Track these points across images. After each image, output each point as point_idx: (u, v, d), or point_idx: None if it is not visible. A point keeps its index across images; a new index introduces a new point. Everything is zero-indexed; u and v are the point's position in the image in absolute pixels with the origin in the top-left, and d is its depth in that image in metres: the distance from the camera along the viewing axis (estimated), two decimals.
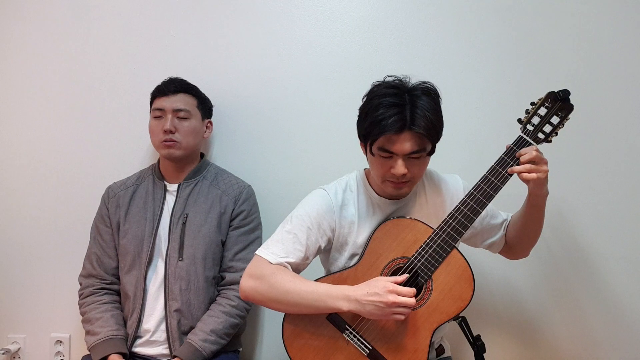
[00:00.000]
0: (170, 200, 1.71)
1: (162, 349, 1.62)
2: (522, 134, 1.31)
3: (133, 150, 1.94)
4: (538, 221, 1.42)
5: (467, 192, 1.32)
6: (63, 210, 1.97)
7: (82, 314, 1.66)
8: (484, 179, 1.30)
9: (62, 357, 1.99)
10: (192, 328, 1.61)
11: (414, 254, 1.32)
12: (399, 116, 1.23)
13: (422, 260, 1.31)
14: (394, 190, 1.34)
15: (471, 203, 1.30)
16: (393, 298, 1.21)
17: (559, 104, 1.29)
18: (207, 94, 1.81)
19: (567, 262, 1.79)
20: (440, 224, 1.31)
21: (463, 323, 1.39)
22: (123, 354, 1.55)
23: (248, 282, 1.33)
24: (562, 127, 1.31)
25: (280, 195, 1.85)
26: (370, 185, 1.43)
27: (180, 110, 1.69)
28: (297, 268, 1.37)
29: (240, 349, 1.77)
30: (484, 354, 1.42)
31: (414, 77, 1.33)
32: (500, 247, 1.53)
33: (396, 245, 1.34)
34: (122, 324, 1.64)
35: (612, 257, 1.77)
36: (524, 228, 1.44)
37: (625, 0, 1.75)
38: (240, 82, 1.90)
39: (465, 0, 1.81)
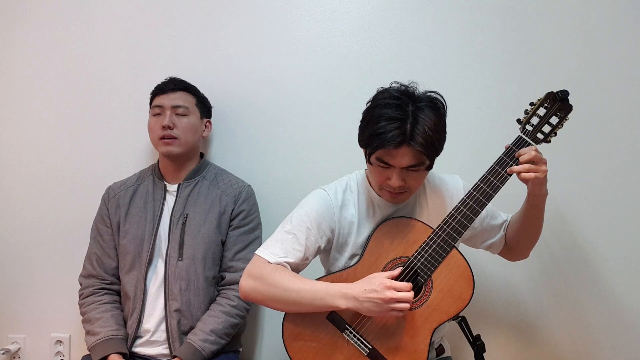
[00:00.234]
0: (170, 200, 1.71)
1: (162, 349, 1.62)
2: (522, 134, 1.31)
3: (133, 150, 1.94)
4: (538, 221, 1.42)
5: (466, 192, 1.32)
6: (63, 211, 1.97)
7: (82, 314, 1.66)
8: (484, 179, 1.31)
9: (62, 357, 1.99)
10: (192, 328, 1.61)
11: (414, 254, 1.32)
12: (399, 131, 1.21)
13: (422, 260, 1.31)
14: (391, 198, 1.35)
15: (471, 203, 1.30)
16: (391, 294, 1.21)
17: (557, 104, 1.29)
18: (207, 94, 1.82)
19: (567, 262, 1.79)
20: (440, 224, 1.32)
21: (463, 323, 1.39)
22: (123, 354, 1.55)
23: (247, 282, 1.33)
24: (561, 128, 1.31)
25: (280, 195, 1.85)
26: (370, 185, 1.43)
27: (179, 106, 1.69)
28: (297, 268, 1.37)
29: (240, 349, 1.77)
30: (484, 354, 1.42)
31: (414, 77, 1.33)
32: (499, 248, 1.53)
33: (396, 245, 1.34)
34: (122, 324, 1.64)
35: (612, 257, 1.77)
36: (524, 228, 1.44)
37: (625, 0, 1.75)
38: (240, 82, 1.90)
39: (465, 0, 1.81)
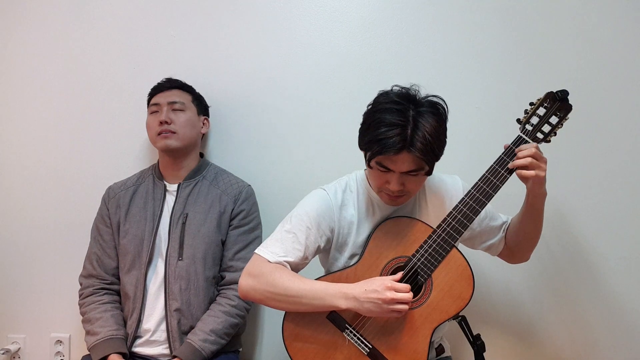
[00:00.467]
0: (170, 200, 1.71)
1: (162, 349, 1.62)
2: (521, 134, 1.31)
3: (133, 150, 1.94)
4: (537, 223, 1.42)
5: (466, 192, 1.32)
6: (63, 211, 1.97)
7: (82, 314, 1.67)
8: (484, 178, 1.31)
9: (62, 357, 1.99)
10: (192, 328, 1.61)
11: (414, 253, 1.32)
12: (399, 137, 1.21)
13: (422, 259, 1.31)
14: (389, 201, 1.35)
15: (471, 202, 1.30)
16: (391, 295, 1.22)
17: (557, 104, 1.29)
18: (206, 94, 1.82)
19: (567, 262, 1.79)
20: (440, 224, 1.32)
21: (463, 322, 1.40)
22: (123, 354, 1.55)
23: (247, 281, 1.33)
24: (560, 127, 1.31)
25: (279, 195, 1.85)
26: (370, 185, 1.43)
27: (175, 102, 1.71)
28: (296, 267, 1.37)
29: (240, 349, 1.77)
30: (484, 353, 1.42)
31: (414, 77, 1.33)
32: (499, 249, 1.52)
33: (396, 245, 1.34)
34: (122, 324, 1.64)
35: (612, 257, 1.77)
36: (523, 230, 1.44)
37: (625, 0, 1.75)
38: (240, 82, 1.90)
39: (465, 0, 1.81)
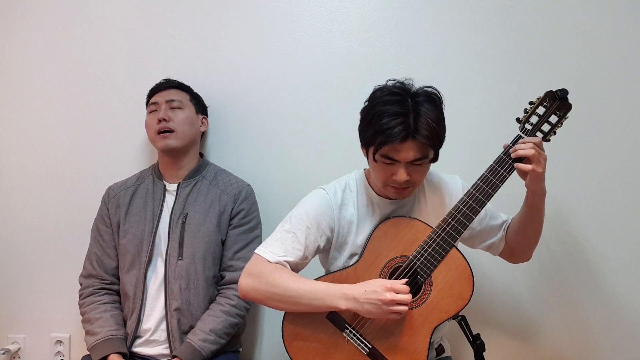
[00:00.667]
0: (169, 199, 1.71)
1: (162, 349, 1.62)
2: (521, 133, 1.31)
3: (133, 150, 1.94)
4: (537, 221, 1.42)
5: (466, 192, 1.32)
6: (63, 211, 1.97)
7: (82, 314, 1.67)
8: (483, 178, 1.31)
9: (62, 357, 1.99)
10: (192, 327, 1.61)
11: (414, 253, 1.32)
12: (403, 126, 1.22)
13: (422, 259, 1.31)
14: (395, 194, 1.35)
15: (470, 202, 1.30)
16: (391, 296, 1.22)
17: (557, 103, 1.30)
18: (206, 94, 1.83)
19: (567, 261, 1.79)
20: (440, 223, 1.32)
21: (463, 322, 1.39)
22: (123, 354, 1.55)
23: (246, 281, 1.33)
24: (560, 127, 1.32)
25: (279, 195, 1.85)
26: (369, 185, 1.43)
27: (173, 100, 1.72)
28: (296, 267, 1.37)
29: (240, 349, 1.77)
30: (484, 353, 1.42)
31: (414, 77, 1.33)
32: (499, 249, 1.52)
33: (396, 245, 1.34)
34: (122, 324, 1.64)
35: (612, 257, 1.77)
36: (524, 229, 1.43)
37: (626, 0, 1.75)
38: (240, 82, 1.90)
39: (465, 0, 1.81)
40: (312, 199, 1.43)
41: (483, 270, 1.79)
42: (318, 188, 1.46)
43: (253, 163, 1.90)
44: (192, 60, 1.91)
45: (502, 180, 1.29)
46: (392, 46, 1.84)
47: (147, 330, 1.63)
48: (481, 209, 1.30)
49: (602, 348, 1.79)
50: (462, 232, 1.30)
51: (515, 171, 1.30)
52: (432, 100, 1.28)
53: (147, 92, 1.79)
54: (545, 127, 1.31)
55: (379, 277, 1.33)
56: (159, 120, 1.68)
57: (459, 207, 1.31)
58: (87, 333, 1.62)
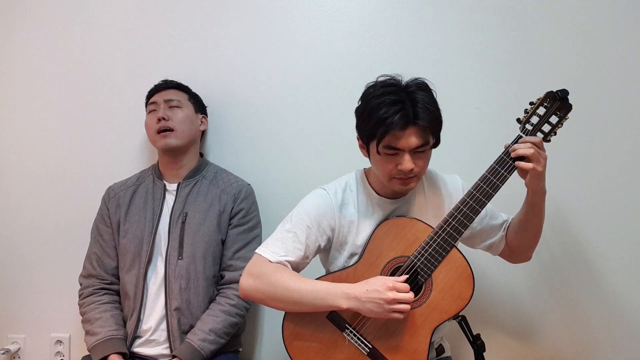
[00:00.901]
0: (169, 199, 1.71)
1: (162, 349, 1.62)
2: (521, 133, 1.31)
3: (133, 150, 1.94)
4: (538, 221, 1.42)
5: (466, 192, 1.32)
6: (63, 211, 1.97)
7: (82, 314, 1.66)
8: (484, 178, 1.31)
9: (62, 357, 1.99)
10: (192, 327, 1.61)
11: (414, 253, 1.32)
12: (403, 112, 1.24)
13: (422, 259, 1.31)
14: (401, 186, 1.34)
15: (471, 202, 1.30)
16: (392, 295, 1.22)
17: (557, 103, 1.30)
18: (206, 94, 1.83)
19: (567, 262, 1.79)
20: (440, 223, 1.32)
21: (463, 322, 1.39)
22: (123, 354, 1.55)
23: (247, 281, 1.33)
24: (560, 127, 1.31)
25: (279, 195, 1.85)
26: (369, 184, 1.43)
27: (171, 99, 1.73)
28: (297, 267, 1.37)
29: (240, 349, 1.77)
30: (484, 353, 1.42)
31: (415, 77, 1.33)
32: (500, 249, 1.52)
33: (396, 244, 1.34)
34: (122, 324, 1.64)
35: (612, 257, 1.77)
36: (524, 228, 1.43)
37: (625, 0, 1.75)
38: (240, 82, 1.90)
39: (465, 0, 1.81)
40: (312, 198, 1.43)
41: (483, 270, 1.79)
42: (318, 188, 1.46)
43: (253, 163, 1.90)
44: (192, 60, 1.91)
45: (503, 180, 1.29)
46: (392, 46, 1.84)
47: (147, 330, 1.62)
48: (482, 209, 1.30)
49: (602, 348, 1.79)
50: (463, 232, 1.30)
51: (515, 171, 1.30)
52: (423, 88, 1.31)
53: (147, 92, 1.79)
54: (546, 128, 1.31)
55: None
56: (159, 120, 1.69)
57: (460, 207, 1.31)
58: (87, 333, 1.62)
